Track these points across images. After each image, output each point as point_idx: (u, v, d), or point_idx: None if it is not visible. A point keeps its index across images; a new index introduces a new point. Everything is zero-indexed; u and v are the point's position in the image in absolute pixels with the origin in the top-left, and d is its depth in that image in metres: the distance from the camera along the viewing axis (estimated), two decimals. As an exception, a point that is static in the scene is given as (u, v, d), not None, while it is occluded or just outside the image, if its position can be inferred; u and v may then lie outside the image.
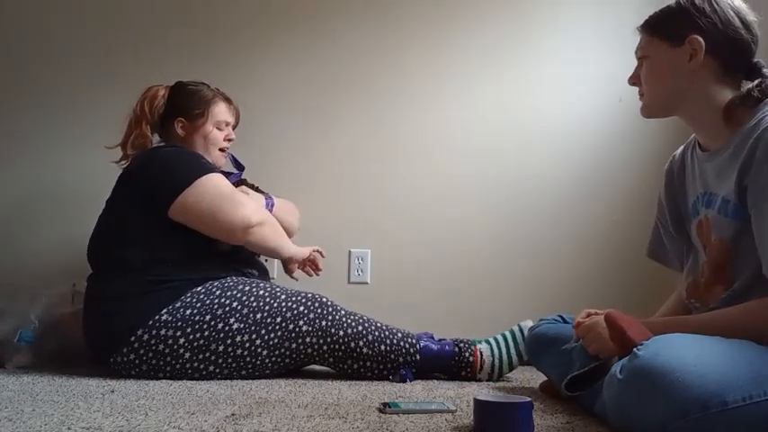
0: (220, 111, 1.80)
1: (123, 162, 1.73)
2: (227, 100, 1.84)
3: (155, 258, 1.58)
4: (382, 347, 1.56)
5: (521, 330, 1.66)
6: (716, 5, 1.12)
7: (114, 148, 1.76)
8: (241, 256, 1.72)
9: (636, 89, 1.26)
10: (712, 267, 1.15)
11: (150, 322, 1.50)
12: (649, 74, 1.20)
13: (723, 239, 1.11)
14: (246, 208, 1.61)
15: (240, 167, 1.90)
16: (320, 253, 1.88)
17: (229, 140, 1.83)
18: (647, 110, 1.23)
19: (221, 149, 1.81)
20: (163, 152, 1.66)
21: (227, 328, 1.51)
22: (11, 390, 1.34)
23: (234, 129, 1.87)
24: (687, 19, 1.13)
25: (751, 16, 1.13)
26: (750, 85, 1.10)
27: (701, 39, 1.11)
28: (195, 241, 1.61)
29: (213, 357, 1.51)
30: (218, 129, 1.79)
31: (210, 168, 1.64)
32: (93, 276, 1.65)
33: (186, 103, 1.77)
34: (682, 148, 1.31)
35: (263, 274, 1.81)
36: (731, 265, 1.11)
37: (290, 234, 1.84)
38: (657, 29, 1.18)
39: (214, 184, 1.60)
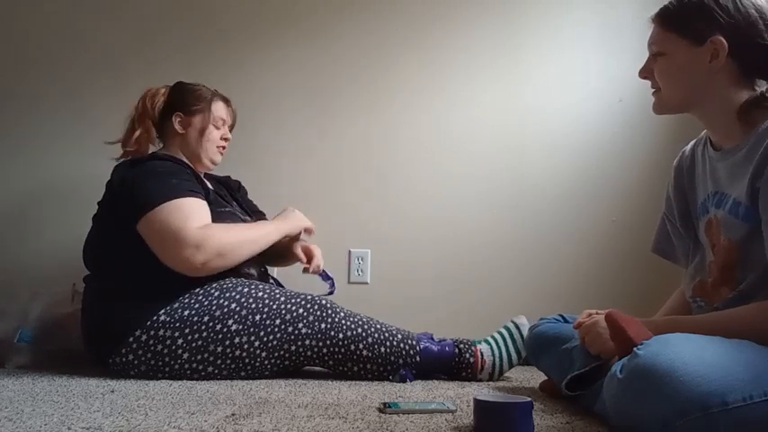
0: (218, 109, 1.81)
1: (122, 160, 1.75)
2: (225, 100, 1.86)
3: (153, 259, 1.57)
4: (382, 350, 1.56)
5: (516, 326, 1.67)
6: (740, 5, 1.08)
7: (115, 143, 1.78)
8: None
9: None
10: (720, 267, 1.14)
11: (148, 323, 1.50)
12: (667, 72, 1.16)
13: (732, 240, 1.10)
14: (186, 250, 1.50)
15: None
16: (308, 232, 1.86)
17: (225, 140, 1.84)
18: (661, 108, 1.20)
19: (218, 147, 1.82)
20: (139, 168, 1.63)
21: (225, 329, 1.51)
22: (11, 390, 1.34)
23: (231, 130, 1.88)
24: (710, 17, 1.09)
25: None
26: (766, 86, 1.09)
27: (724, 41, 1.08)
28: None
29: (212, 358, 1.51)
30: (215, 127, 1.81)
31: (175, 191, 1.56)
32: (90, 278, 1.65)
33: (185, 100, 1.79)
34: (692, 144, 1.29)
35: (263, 275, 1.81)
36: (739, 266, 1.10)
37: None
38: (677, 25, 1.13)
39: (161, 219, 1.52)
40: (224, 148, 1.84)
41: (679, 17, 1.14)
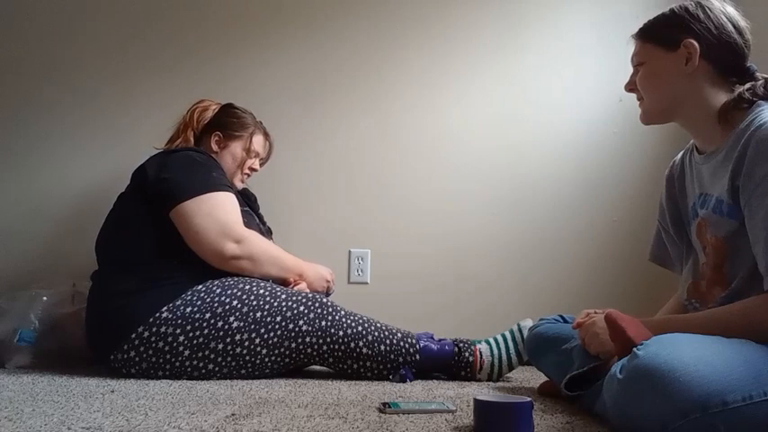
0: (257, 141, 1.90)
1: None
2: (266, 134, 1.94)
3: (158, 256, 1.58)
4: (382, 348, 1.56)
5: (520, 330, 1.66)
6: (709, 12, 1.16)
7: (164, 148, 1.82)
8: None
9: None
10: (711, 267, 1.16)
11: (151, 319, 1.50)
12: (646, 80, 1.22)
13: (719, 237, 1.13)
14: (227, 244, 1.58)
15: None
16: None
17: (253, 170, 1.91)
18: (646, 117, 1.25)
19: (244, 174, 1.89)
20: (176, 156, 1.67)
21: (226, 326, 1.51)
22: (11, 390, 1.34)
23: (263, 163, 1.96)
24: (682, 25, 1.17)
25: (743, 22, 1.17)
26: (742, 88, 1.13)
27: (695, 42, 1.14)
28: None
29: (213, 356, 1.51)
30: (249, 157, 1.87)
31: (219, 184, 1.65)
32: (97, 273, 1.66)
33: (230, 123, 1.86)
34: (681, 153, 1.33)
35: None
36: (728, 263, 1.12)
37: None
38: (652, 35, 1.21)
39: (211, 205, 1.60)
40: (248, 176, 1.91)
41: (654, 28, 1.22)
